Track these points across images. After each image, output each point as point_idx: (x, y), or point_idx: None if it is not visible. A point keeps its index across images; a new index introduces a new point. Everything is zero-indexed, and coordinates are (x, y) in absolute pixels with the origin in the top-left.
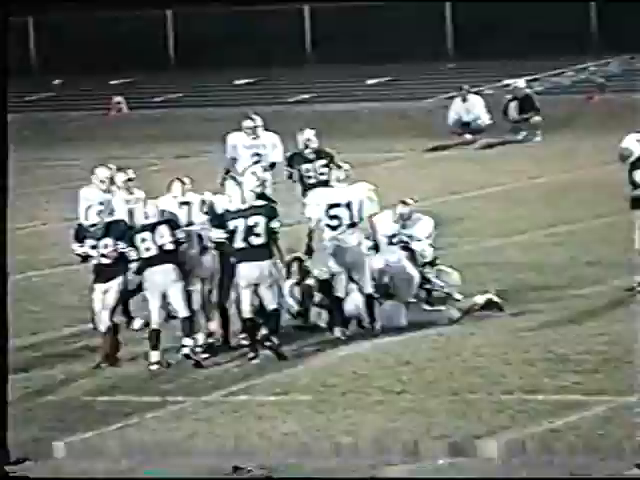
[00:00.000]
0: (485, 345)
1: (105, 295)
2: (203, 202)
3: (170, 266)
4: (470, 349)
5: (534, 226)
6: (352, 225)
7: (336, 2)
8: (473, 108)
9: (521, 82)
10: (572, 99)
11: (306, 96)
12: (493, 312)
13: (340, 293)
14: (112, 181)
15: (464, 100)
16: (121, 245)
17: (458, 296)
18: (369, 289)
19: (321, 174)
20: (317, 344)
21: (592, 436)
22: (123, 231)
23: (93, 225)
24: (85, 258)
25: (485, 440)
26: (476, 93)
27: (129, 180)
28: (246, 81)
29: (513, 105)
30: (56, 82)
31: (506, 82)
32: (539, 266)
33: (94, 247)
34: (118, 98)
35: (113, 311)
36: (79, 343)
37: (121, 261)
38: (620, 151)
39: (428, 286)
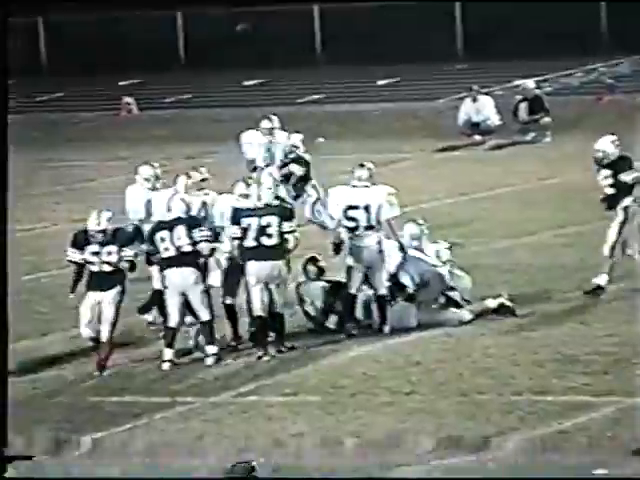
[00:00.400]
0: (494, 346)
1: (100, 305)
2: (204, 203)
3: (188, 269)
4: (479, 350)
5: (543, 227)
6: (369, 227)
7: (345, 3)
8: (483, 109)
9: (531, 83)
10: (582, 100)
11: (316, 97)
12: (505, 316)
13: (353, 289)
14: (157, 178)
15: (474, 101)
16: (126, 252)
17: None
18: (383, 290)
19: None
20: (326, 345)
21: (601, 437)
22: (130, 238)
23: (102, 231)
24: (81, 266)
25: (495, 441)
26: (486, 94)
27: (203, 180)
28: (255, 82)
29: (523, 106)
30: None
31: (516, 83)
32: (548, 267)
33: (96, 253)
34: (128, 99)
35: (114, 325)
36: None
37: (120, 270)
38: (594, 154)
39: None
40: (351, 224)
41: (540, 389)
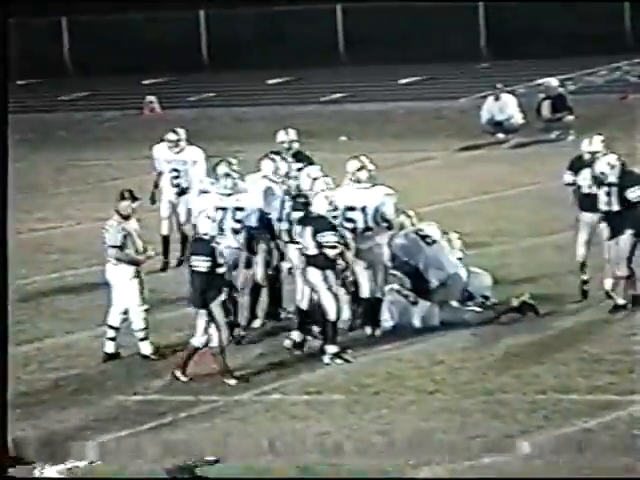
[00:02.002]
0: (518, 345)
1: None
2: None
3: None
4: (503, 349)
5: (568, 226)
6: (367, 229)
7: (369, 2)
8: (506, 107)
9: (554, 81)
10: (605, 98)
11: (339, 96)
12: (528, 315)
13: (363, 294)
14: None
15: (497, 99)
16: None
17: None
18: (378, 293)
19: (295, 177)
20: (350, 344)
21: (626, 436)
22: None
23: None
24: None
25: (519, 440)
26: (509, 92)
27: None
28: (279, 81)
29: (546, 104)
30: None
31: (539, 81)
32: (573, 266)
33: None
34: (151, 98)
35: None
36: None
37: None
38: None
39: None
40: (349, 225)
41: (565, 388)
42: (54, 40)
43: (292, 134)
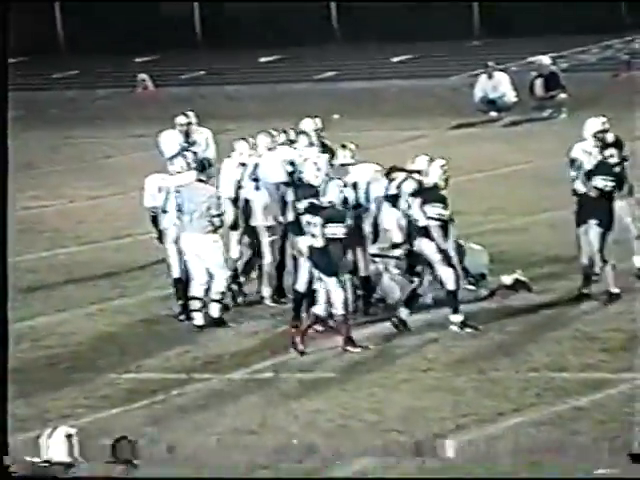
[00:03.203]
0: (511, 323)
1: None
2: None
3: None
4: (496, 327)
5: (560, 204)
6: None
7: None
8: (499, 85)
9: (546, 59)
10: (598, 76)
11: (332, 74)
12: (521, 292)
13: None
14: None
15: (490, 77)
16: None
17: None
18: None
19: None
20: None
21: (618, 414)
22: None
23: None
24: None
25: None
26: (502, 70)
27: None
28: (272, 59)
29: (539, 82)
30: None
31: (531, 59)
32: (566, 244)
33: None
34: (143, 75)
35: None
36: (105, 320)
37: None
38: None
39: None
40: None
41: (557, 366)
42: (47, 18)
43: (319, 123)
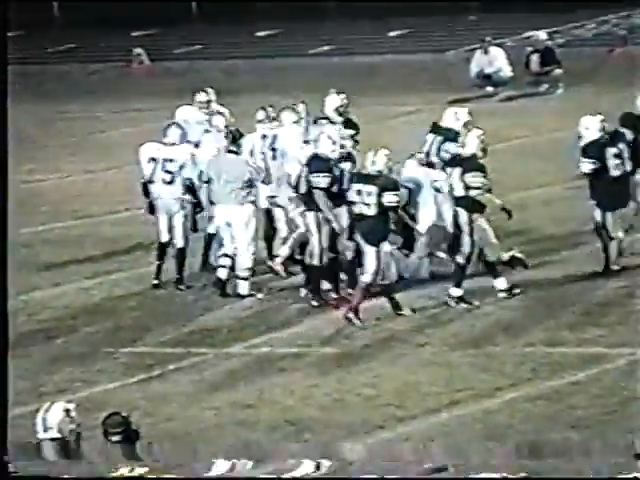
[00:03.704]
0: (507, 298)
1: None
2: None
3: None
4: (493, 302)
5: (555, 180)
6: None
7: None
8: (495, 60)
9: (542, 34)
10: (594, 52)
11: (327, 48)
12: (517, 269)
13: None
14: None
15: (486, 52)
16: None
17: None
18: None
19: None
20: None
21: (614, 388)
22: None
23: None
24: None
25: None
26: (498, 45)
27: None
28: (267, 33)
29: (534, 58)
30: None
31: (527, 34)
32: (561, 219)
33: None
34: (138, 50)
35: None
36: (101, 295)
37: None
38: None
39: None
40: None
41: (553, 341)
42: None
43: (345, 99)
